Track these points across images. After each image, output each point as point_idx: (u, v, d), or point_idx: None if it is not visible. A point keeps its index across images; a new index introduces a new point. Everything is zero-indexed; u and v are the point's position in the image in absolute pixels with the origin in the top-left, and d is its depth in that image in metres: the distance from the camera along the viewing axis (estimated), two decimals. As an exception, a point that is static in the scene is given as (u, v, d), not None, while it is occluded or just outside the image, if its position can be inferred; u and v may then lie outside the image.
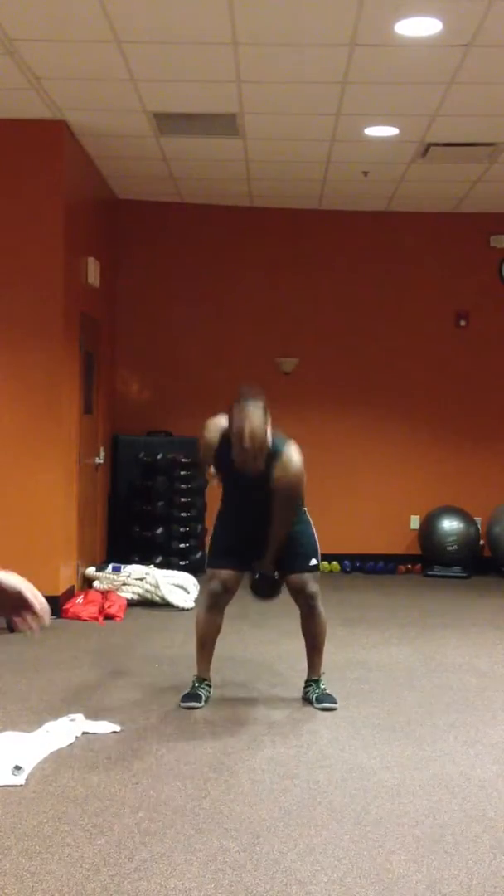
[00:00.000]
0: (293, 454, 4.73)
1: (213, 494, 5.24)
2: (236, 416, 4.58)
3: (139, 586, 7.68)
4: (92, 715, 4.71)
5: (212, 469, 5.02)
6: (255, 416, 4.54)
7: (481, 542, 9.60)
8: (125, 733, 4.55)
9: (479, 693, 5.39)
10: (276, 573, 4.98)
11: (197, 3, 5.18)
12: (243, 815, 3.66)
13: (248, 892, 3.07)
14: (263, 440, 4.56)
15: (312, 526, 5.07)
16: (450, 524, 9.38)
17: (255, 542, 4.92)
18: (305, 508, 5.05)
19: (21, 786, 3.89)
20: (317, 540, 5.06)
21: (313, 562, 5.02)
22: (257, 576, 5.00)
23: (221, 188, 8.97)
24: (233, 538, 5.02)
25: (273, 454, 4.68)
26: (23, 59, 5.92)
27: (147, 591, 7.66)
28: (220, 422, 4.90)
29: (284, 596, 5.13)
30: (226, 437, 4.75)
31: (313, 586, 5.03)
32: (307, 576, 5.02)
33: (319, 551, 5.06)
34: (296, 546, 4.97)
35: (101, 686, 5.37)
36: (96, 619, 7.09)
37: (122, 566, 7.90)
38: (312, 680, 5.13)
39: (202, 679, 5.10)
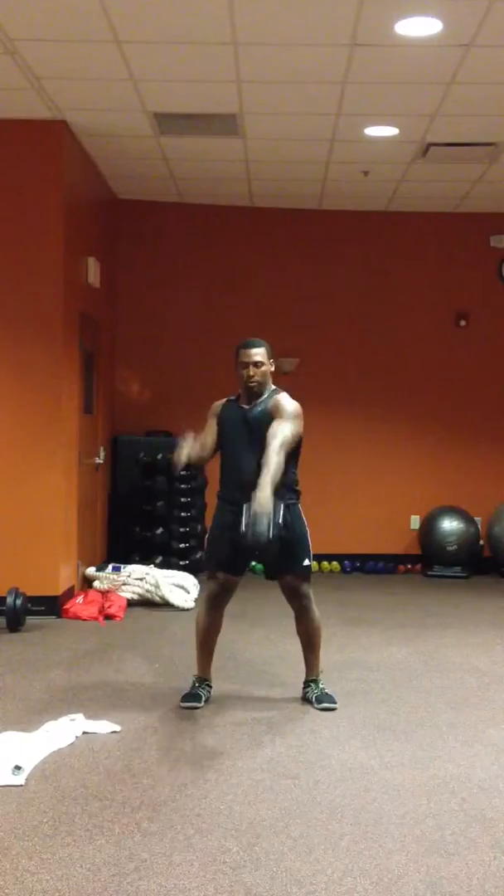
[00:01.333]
0: (288, 398, 4.94)
1: (214, 496, 5.23)
2: (242, 350, 4.95)
3: (139, 586, 7.68)
4: (92, 715, 4.71)
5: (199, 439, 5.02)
6: (259, 343, 4.99)
7: (481, 542, 9.60)
8: (125, 733, 4.55)
9: (479, 693, 5.39)
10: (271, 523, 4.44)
11: (197, 3, 5.19)
12: (243, 815, 3.66)
13: (248, 892, 3.06)
14: (268, 356, 4.96)
15: (306, 524, 5.03)
16: (450, 524, 9.38)
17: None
18: (300, 505, 5.05)
19: (21, 786, 3.89)
20: (309, 539, 5.04)
21: (306, 562, 5.01)
22: (251, 517, 4.41)
23: (221, 188, 8.97)
24: (229, 534, 5.00)
25: (270, 397, 4.95)
26: (23, 59, 5.93)
27: (147, 591, 7.65)
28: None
29: (282, 598, 5.13)
30: (228, 401, 5.09)
31: (306, 587, 5.05)
32: (300, 576, 5.03)
33: (311, 550, 5.06)
34: (289, 546, 4.96)
35: (101, 686, 5.37)
36: (96, 619, 7.09)
37: (122, 566, 7.90)
38: (311, 680, 5.13)
39: (202, 679, 5.10)
